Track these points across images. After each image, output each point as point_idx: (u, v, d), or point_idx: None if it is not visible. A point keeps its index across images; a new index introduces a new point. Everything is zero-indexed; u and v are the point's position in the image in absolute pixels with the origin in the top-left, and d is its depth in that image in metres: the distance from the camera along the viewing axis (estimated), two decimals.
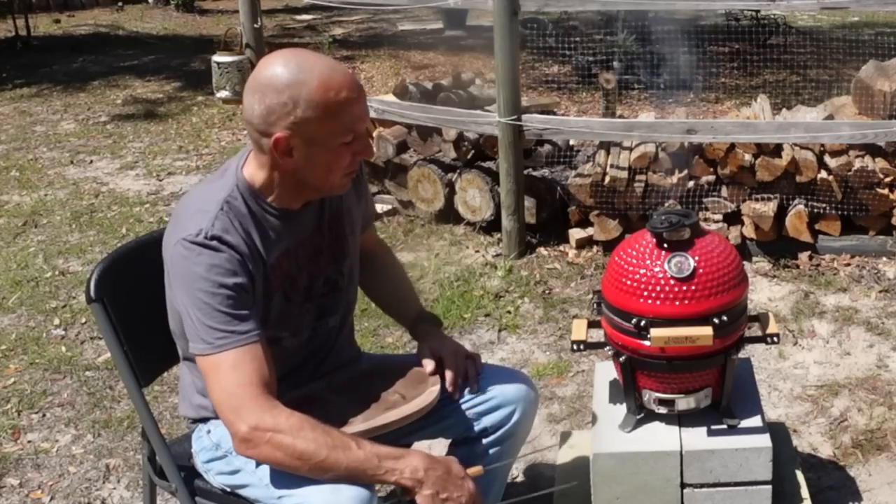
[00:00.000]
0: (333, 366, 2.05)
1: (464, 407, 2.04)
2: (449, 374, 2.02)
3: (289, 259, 1.87)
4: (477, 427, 2.05)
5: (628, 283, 2.10)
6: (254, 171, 1.83)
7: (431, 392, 1.94)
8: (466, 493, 1.71)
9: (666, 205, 4.17)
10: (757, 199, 4.16)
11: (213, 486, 1.96)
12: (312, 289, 1.94)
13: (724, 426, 2.20)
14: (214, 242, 1.74)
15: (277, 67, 1.73)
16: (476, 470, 1.79)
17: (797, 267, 4.13)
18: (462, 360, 2.06)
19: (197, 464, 1.98)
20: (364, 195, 2.10)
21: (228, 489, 1.93)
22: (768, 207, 4.11)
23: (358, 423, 1.83)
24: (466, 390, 2.06)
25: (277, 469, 1.75)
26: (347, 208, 2.00)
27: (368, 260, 2.18)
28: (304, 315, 1.94)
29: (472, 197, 4.59)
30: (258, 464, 1.81)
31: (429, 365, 2.03)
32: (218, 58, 5.13)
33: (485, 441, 2.06)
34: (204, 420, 1.97)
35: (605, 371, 2.43)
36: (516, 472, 2.77)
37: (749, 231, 4.18)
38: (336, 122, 1.74)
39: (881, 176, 4.12)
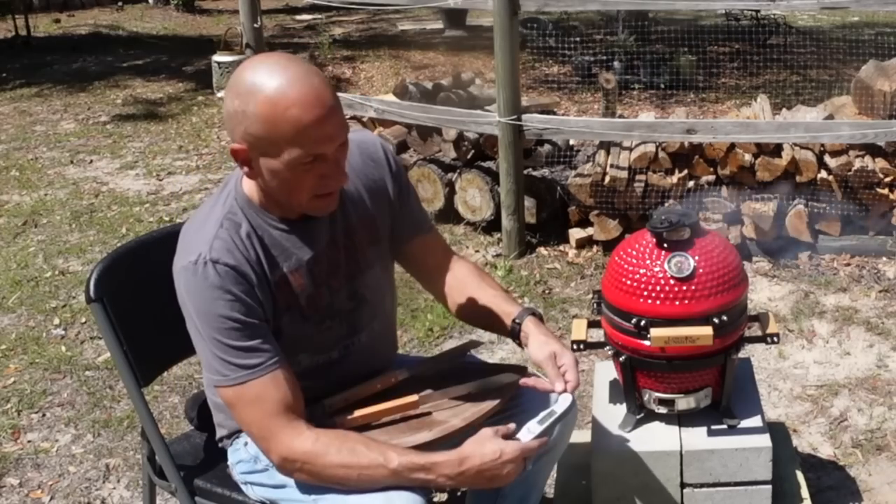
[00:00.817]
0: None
1: (505, 420, 1.92)
2: (570, 383, 1.84)
3: (302, 275, 1.79)
4: None
5: (628, 282, 2.10)
6: (252, 182, 1.75)
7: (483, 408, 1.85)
8: (509, 468, 1.66)
9: (666, 205, 4.17)
10: (757, 199, 4.16)
11: (252, 499, 1.93)
12: (334, 305, 1.85)
13: (724, 426, 2.20)
14: (212, 268, 1.67)
15: (247, 70, 1.63)
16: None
17: (797, 267, 4.13)
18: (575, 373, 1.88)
19: (234, 475, 1.95)
20: (405, 202, 1.97)
21: (268, 502, 1.89)
22: (768, 207, 4.11)
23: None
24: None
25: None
26: (364, 217, 1.89)
27: (439, 275, 2.01)
28: (326, 333, 1.86)
29: (472, 197, 4.59)
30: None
31: (552, 371, 1.84)
32: (218, 57, 5.14)
33: None
34: (239, 432, 1.92)
35: (605, 371, 2.43)
36: None
37: (749, 231, 4.18)
38: (284, 142, 1.61)
39: (881, 176, 4.12)
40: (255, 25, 5.21)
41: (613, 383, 2.38)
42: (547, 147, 4.86)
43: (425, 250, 2.03)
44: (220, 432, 1.98)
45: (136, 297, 2.01)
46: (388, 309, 2.01)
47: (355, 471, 1.66)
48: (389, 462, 1.65)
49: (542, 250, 4.41)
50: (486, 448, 1.67)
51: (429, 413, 1.84)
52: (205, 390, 1.99)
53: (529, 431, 1.71)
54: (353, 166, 1.84)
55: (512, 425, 1.72)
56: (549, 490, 2.41)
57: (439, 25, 10.99)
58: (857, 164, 4.12)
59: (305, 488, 1.79)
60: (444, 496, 2.63)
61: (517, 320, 1.95)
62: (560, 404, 1.77)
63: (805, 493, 2.36)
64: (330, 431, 1.70)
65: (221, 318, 1.68)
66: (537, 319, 1.97)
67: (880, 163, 4.16)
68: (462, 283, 2.02)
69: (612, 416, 2.28)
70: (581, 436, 2.49)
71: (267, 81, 1.60)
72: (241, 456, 1.92)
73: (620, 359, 2.16)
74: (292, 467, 1.69)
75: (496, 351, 3.56)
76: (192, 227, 1.78)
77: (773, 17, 8.54)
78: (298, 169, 1.64)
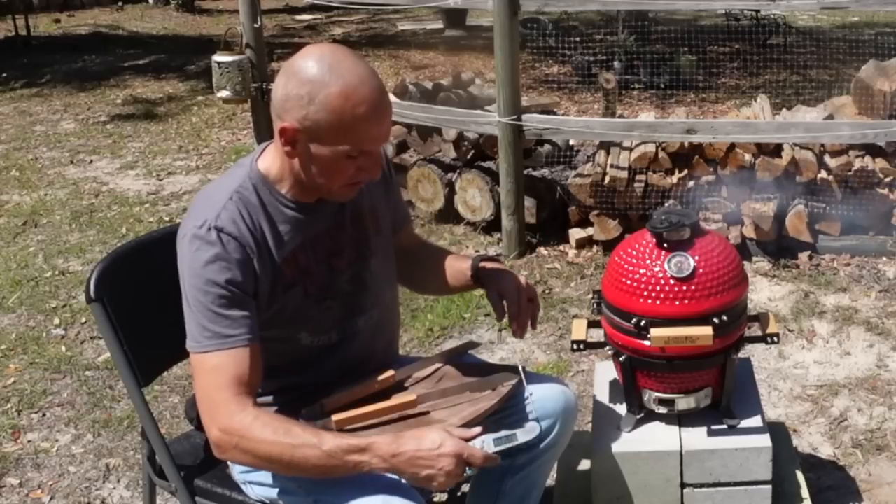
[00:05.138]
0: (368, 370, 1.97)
1: (505, 420, 1.96)
2: (514, 316, 1.95)
3: (305, 253, 1.84)
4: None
5: (628, 282, 2.10)
6: (270, 161, 1.81)
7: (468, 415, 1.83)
8: (445, 463, 1.63)
9: (666, 205, 4.17)
10: (757, 199, 4.16)
11: (252, 499, 1.93)
12: (335, 286, 1.89)
13: (724, 426, 2.20)
14: (215, 235, 1.71)
15: (311, 60, 1.70)
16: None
17: (797, 267, 4.13)
18: (525, 302, 1.98)
19: (234, 475, 1.95)
20: (394, 195, 2.05)
21: (267, 502, 1.90)
22: (768, 207, 4.11)
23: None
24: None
25: (316, 481, 1.76)
26: (371, 206, 1.95)
27: (413, 259, 2.11)
28: (326, 313, 1.89)
29: (472, 197, 4.59)
30: (302, 478, 1.78)
31: (499, 309, 1.97)
32: (218, 57, 5.12)
33: (526, 454, 2.00)
34: None
35: (605, 371, 2.43)
36: None
37: (749, 231, 4.18)
38: (344, 134, 1.69)
39: (881, 176, 4.12)
40: (255, 25, 5.21)
41: (613, 383, 2.38)
42: (547, 147, 4.86)
43: (409, 240, 2.15)
44: None
45: (136, 297, 2.01)
46: (389, 301, 2.04)
47: (288, 449, 1.65)
48: (323, 444, 1.65)
49: (542, 250, 4.41)
50: (426, 436, 1.66)
51: (427, 413, 1.84)
52: None
53: (482, 443, 1.68)
54: None
55: (472, 431, 1.70)
56: (550, 489, 2.41)
57: (439, 25, 11.00)
58: (857, 164, 4.12)
59: (305, 488, 1.79)
60: (444, 496, 2.63)
61: (472, 270, 2.05)
62: (525, 433, 1.74)
63: (805, 493, 2.36)
64: (271, 414, 1.72)
65: (211, 283, 1.71)
66: (491, 260, 2.06)
67: (880, 163, 4.16)
68: (418, 259, 2.13)
69: (612, 416, 2.28)
70: (581, 436, 2.49)
71: (340, 75, 1.68)
72: None
73: (620, 359, 2.16)
74: (229, 442, 1.69)
75: (496, 351, 3.56)
76: (202, 198, 1.83)
77: (773, 17, 8.53)
78: (344, 160, 1.73)
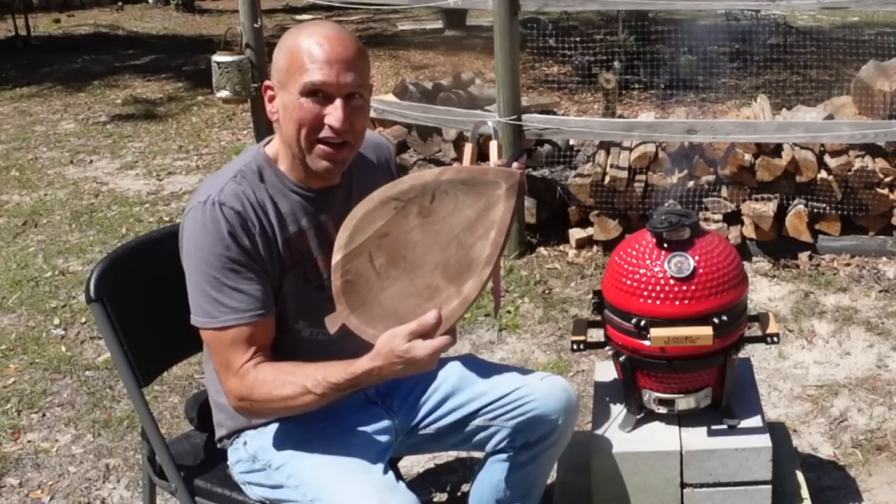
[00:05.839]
0: None
1: (506, 418, 1.98)
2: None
3: (307, 238, 1.85)
4: (520, 439, 1.99)
5: (628, 282, 2.11)
6: (276, 147, 1.85)
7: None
8: (418, 355, 1.63)
9: (666, 205, 4.17)
10: (757, 199, 4.16)
11: (251, 499, 1.93)
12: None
13: (724, 426, 2.21)
14: (218, 209, 1.73)
15: (294, 28, 1.80)
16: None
17: (797, 267, 4.13)
18: None
19: (234, 475, 1.96)
20: None
21: (267, 502, 1.91)
22: (768, 207, 4.11)
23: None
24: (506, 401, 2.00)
25: (313, 476, 1.79)
26: None
27: None
28: (323, 304, 1.86)
29: None
30: (300, 479, 1.80)
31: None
32: (218, 58, 5.12)
33: (528, 453, 2.01)
34: (238, 432, 1.94)
35: (605, 371, 2.43)
36: None
37: (749, 231, 4.18)
38: (296, 67, 1.72)
39: (881, 176, 4.12)
40: (255, 25, 5.21)
41: (613, 383, 2.38)
42: (547, 147, 4.85)
43: None
44: (219, 432, 1.98)
45: (136, 297, 2.01)
46: None
47: (288, 402, 1.73)
48: (315, 389, 1.70)
49: (542, 250, 4.41)
50: (381, 349, 1.66)
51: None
52: (206, 389, 2.00)
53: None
54: (370, 161, 1.98)
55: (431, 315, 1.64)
56: (550, 488, 2.41)
57: (439, 25, 11.00)
58: (857, 164, 4.12)
59: (302, 488, 1.80)
60: (444, 496, 2.63)
61: None
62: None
63: (805, 493, 2.36)
64: (269, 368, 1.76)
65: (220, 257, 1.73)
66: None
67: (880, 163, 4.16)
68: None
69: (612, 416, 2.28)
70: (581, 436, 2.49)
71: (306, 27, 1.78)
72: (241, 455, 1.92)
73: (620, 359, 2.16)
74: (247, 408, 1.78)
75: (496, 351, 3.56)
76: (209, 178, 1.87)
77: (773, 17, 8.53)
78: (305, 102, 1.72)
